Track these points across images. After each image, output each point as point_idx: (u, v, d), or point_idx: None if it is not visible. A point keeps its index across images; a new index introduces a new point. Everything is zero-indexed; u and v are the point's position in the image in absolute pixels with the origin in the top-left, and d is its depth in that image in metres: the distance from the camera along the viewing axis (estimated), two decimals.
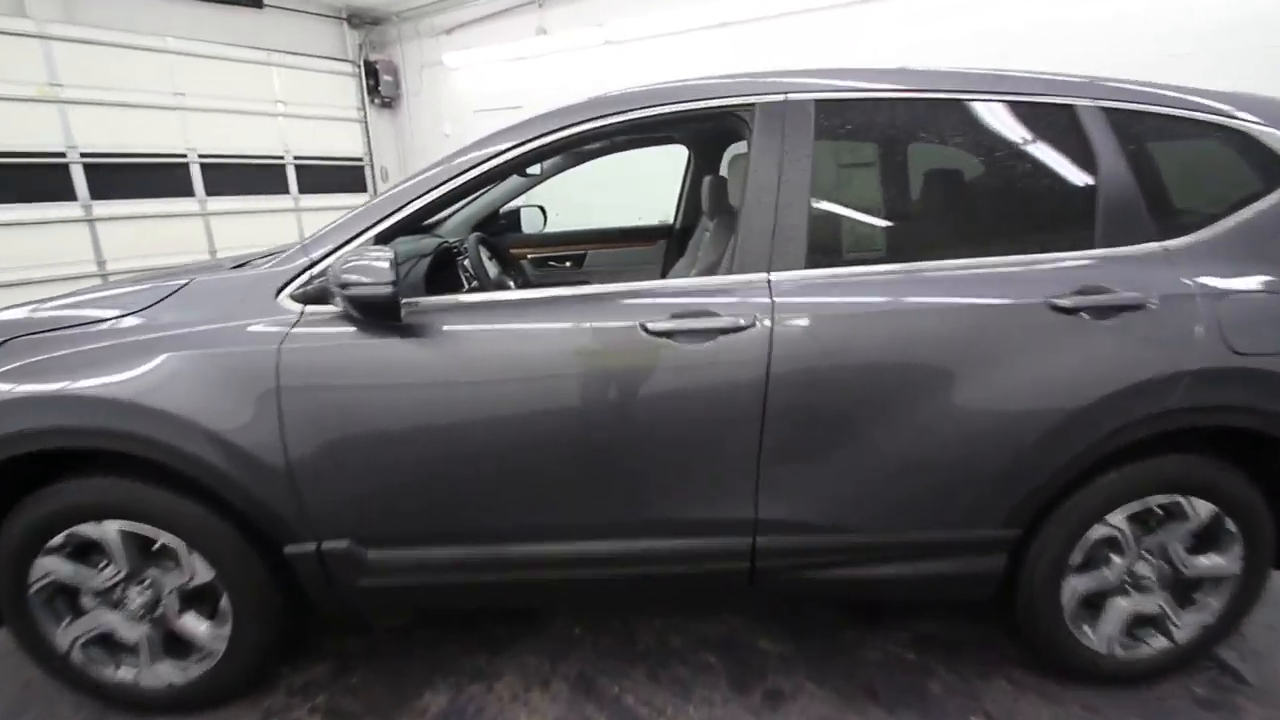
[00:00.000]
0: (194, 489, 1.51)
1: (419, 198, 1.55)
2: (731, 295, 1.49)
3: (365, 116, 7.49)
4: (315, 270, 1.50)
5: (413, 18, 7.11)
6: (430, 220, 2.53)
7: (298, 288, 1.50)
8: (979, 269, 1.53)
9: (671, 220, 3.25)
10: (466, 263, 2.07)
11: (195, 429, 1.42)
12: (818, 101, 1.54)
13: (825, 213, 1.53)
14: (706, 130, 2.79)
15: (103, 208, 5.65)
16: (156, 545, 1.58)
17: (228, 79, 6.36)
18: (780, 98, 1.54)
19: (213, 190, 6.36)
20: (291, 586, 1.63)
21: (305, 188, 7.01)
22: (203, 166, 6.30)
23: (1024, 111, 1.59)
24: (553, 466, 1.53)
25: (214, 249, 6.44)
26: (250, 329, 1.46)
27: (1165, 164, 1.63)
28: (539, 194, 3.11)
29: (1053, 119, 1.59)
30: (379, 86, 7.32)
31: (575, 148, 1.75)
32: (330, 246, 1.51)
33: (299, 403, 1.44)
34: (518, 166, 1.58)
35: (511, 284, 2.13)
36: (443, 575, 1.60)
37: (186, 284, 1.56)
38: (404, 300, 1.46)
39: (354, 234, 1.51)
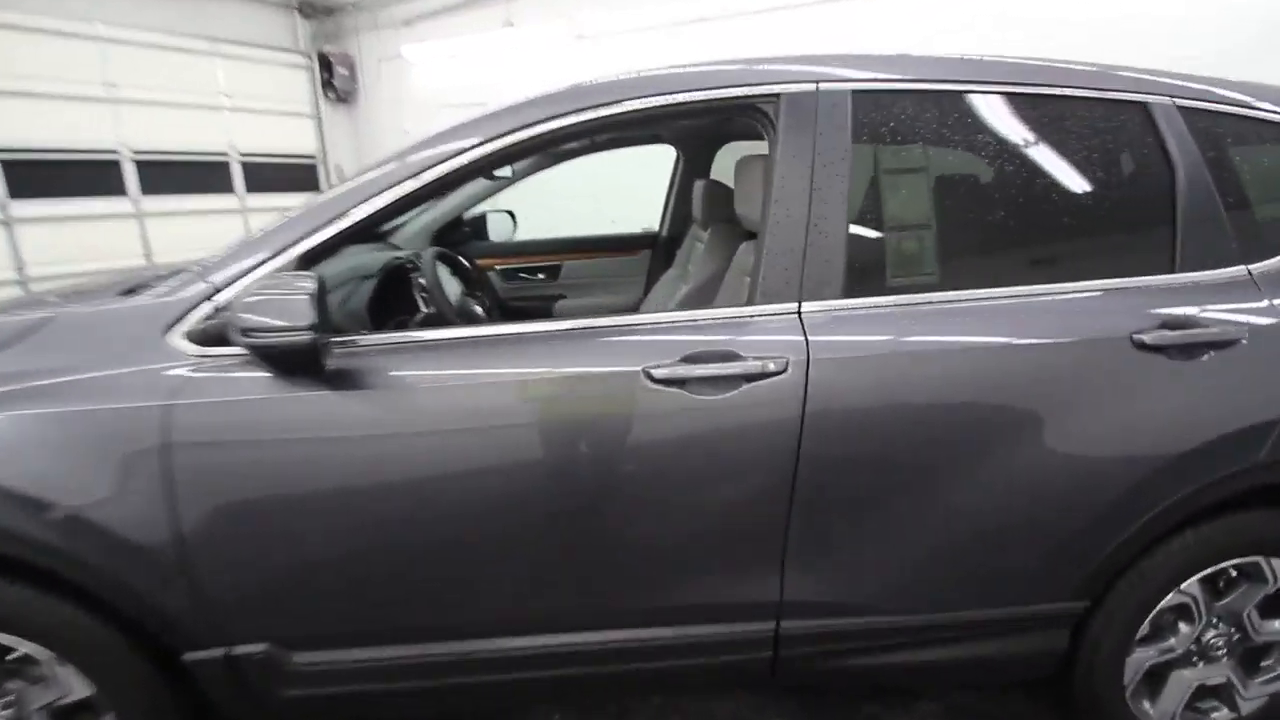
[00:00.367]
0: (59, 585, 1.16)
1: (360, 206, 1.22)
2: (754, 331, 1.21)
3: (319, 112, 7.02)
4: (219, 300, 1.16)
5: (370, 7, 6.68)
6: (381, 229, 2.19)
7: (194, 324, 1.16)
8: (1046, 297, 1.28)
9: (655, 228, 2.96)
10: (424, 281, 1.74)
11: (50, 510, 1.08)
12: (855, 93, 1.26)
13: (866, 229, 1.25)
14: (698, 128, 2.51)
15: (22, 208, 5.12)
16: (17, 654, 1.22)
17: (166, 69, 5.87)
18: (811, 87, 1.26)
19: (149, 189, 5.86)
20: (196, 697, 1.29)
21: (253, 187, 6.53)
22: (137, 164, 5.79)
23: (1094, 110, 1.34)
24: (532, 545, 1.23)
25: (150, 252, 5.94)
26: (127, 380, 1.12)
27: (1245, 174, 1.40)
28: (507, 197, 2.80)
29: (1125, 119, 1.35)
30: (333, 80, 6.86)
31: (552, 147, 1.44)
32: (238, 270, 1.17)
33: (194, 475, 1.11)
34: (485, 168, 1.27)
35: (478, 307, 1.81)
36: (392, 681, 1.28)
37: (48, 320, 1.20)
38: (337, 339, 1.14)
39: (271, 253, 1.18)
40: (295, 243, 1.19)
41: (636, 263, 2.90)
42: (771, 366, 1.16)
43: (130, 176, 5.73)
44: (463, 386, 1.18)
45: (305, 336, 1.00)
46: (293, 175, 6.87)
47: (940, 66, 1.33)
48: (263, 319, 1.00)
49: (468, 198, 2.66)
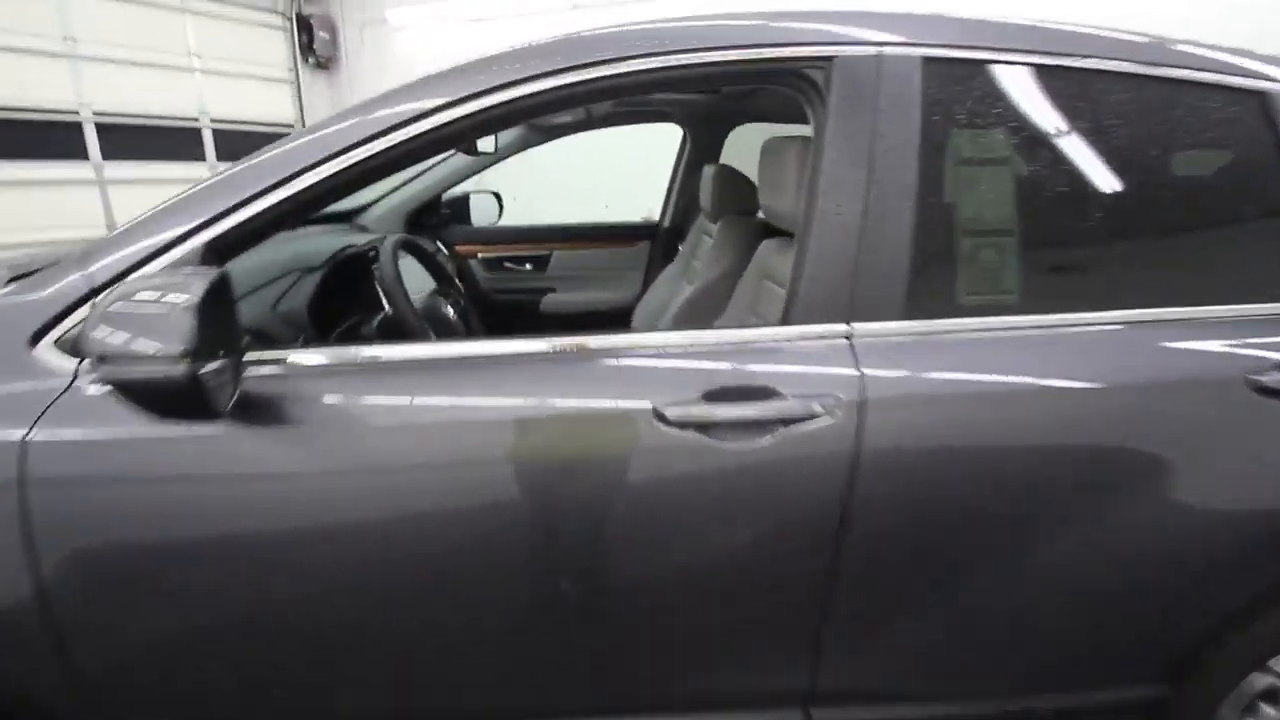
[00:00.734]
0: None
1: (292, 179, 0.95)
2: (792, 360, 0.95)
3: (297, 78, 6.63)
4: (101, 301, 0.89)
5: None
6: (342, 205, 1.91)
7: (70, 330, 0.88)
8: (1145, 326, 1.04)
9: (656, 217, 2.69)
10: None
11: None
12: (928, 60, 1.00)
13: (936, 234, 1.00)
14: (709, 104, 2.23)
15: None
16: None
17: (131, 24, 5.47)
18: (871, 51, 1.00)
19: (111, 155, 5.48)
20: None
21: (225, 155, 6.16)
22: (99, 127, 5.41)
23: (1202, 97, 1.09)
24: (511, 618, 0.98)
25: (112, 221, 5.58)
26: None
27: None
28: (492, 175, 2.51)
29: (1237, 109, 1.10)
30: (313, 44, 6.47)
31: (538, 114, 1.15)
32: (125, 259, 0.89)
33: (59, 529, 0.85)
34: (452, 137, 1.00)
35: (449, 308, 1.54)
36: None
37: None
38: (254, 358, 0.87)
39: (171, 238, 0.90)
40: (204, 225, 0.91)
41: (634, 255, 2.64)
42: (816, 407, 0.91)
43: (91, 140, 5.36)
44: (420, 426, 0.91)
45: (178, 368, 0.71)
46: (269, 144, 6.49)
47: (1032, 35, 1.06)
48: (121, 338, 0.71)
49: (447, 176, 2.37)
